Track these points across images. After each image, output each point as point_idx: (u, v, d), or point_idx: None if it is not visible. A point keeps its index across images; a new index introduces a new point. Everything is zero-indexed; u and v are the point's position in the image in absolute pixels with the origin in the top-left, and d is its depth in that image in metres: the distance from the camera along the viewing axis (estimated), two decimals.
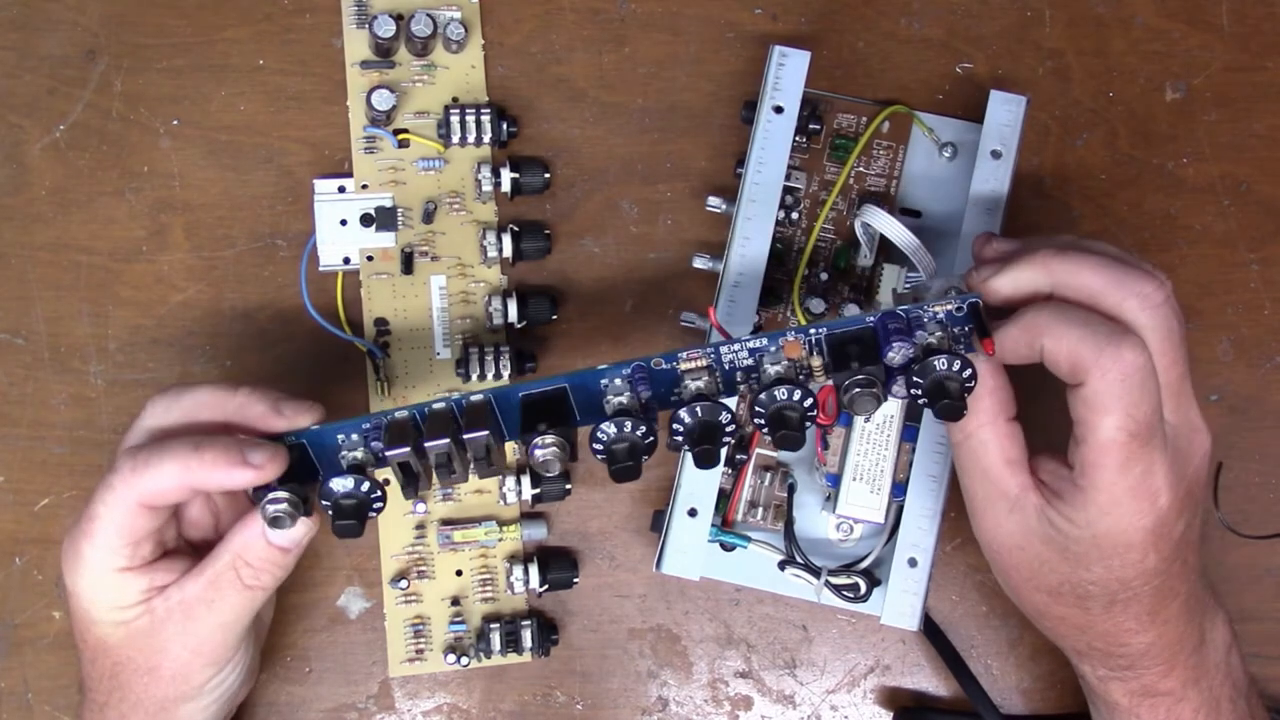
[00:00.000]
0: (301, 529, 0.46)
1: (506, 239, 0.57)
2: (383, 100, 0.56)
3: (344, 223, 0.58)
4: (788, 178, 0.56)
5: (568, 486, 0.57)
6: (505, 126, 0.58)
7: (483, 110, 0.58)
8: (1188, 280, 0.60)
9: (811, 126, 0.58)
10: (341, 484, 0.46)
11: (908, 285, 0.55)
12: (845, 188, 0.58)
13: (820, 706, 0.58)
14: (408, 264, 0.57)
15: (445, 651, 0.56)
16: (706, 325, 0.55)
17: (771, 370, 0.45)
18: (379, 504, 0.46)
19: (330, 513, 0.46)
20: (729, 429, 0.45)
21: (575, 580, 0.57)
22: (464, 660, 0.56)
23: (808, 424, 0.45)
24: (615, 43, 0.60)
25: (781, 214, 0.57)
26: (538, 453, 0.45)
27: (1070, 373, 0.44)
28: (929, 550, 0.53)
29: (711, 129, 0.60)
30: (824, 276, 0.58)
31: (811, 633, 0.58)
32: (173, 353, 0.58)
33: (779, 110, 0.55)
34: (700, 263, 0.57)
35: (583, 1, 0.61)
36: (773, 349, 0.46)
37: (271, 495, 0.45)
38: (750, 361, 0.46)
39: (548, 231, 0.58)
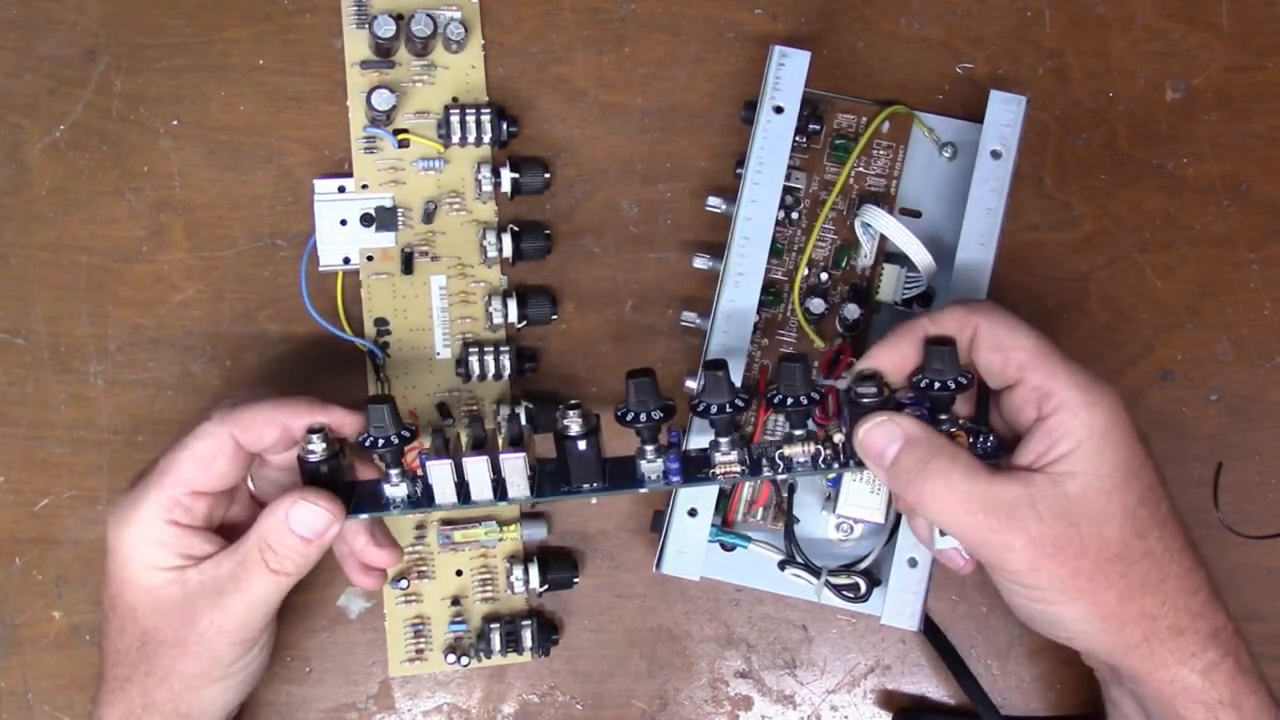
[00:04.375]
0: (322, 520, 0.47)
1: (506, 239, 0.57)
2: (383, 100, 0.56)
3: (344, 223, 0.58)
4: (788, 178, 0.56)
5: None
6: (505, 126, 0.58)
7: (483, 110, 0.57)
8: (1188, 280, 0.60)
9: (811, 126, 0.58)
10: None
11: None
12: (845, 188, 0.58)
13: (820, 706, 0.58)
14: (408, 264, 0.57)
15: (445, 651, 0.56)
16: (707, 326, 0.55)
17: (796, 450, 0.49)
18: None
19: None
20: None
21: (575, 580, 0.57)
22: (464, 660, 0.56)
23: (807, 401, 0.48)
24: (615, 43, 0.60)
25: (781, 214, 0.57)
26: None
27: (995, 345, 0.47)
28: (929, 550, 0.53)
29: (711, 129, 0.60)
30: (824, 276, 0.58)
31: (811, 633, 0.58)
32: (173, 353, 0.58)
33: (779, 110, 0.55)
34: (700, 263, 0.57)
35: (583, 1, 0.61)
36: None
37: (313, 439, 0.48)
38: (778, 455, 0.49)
39: (548, 231, 0.58)
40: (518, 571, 0.56)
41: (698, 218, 0.59)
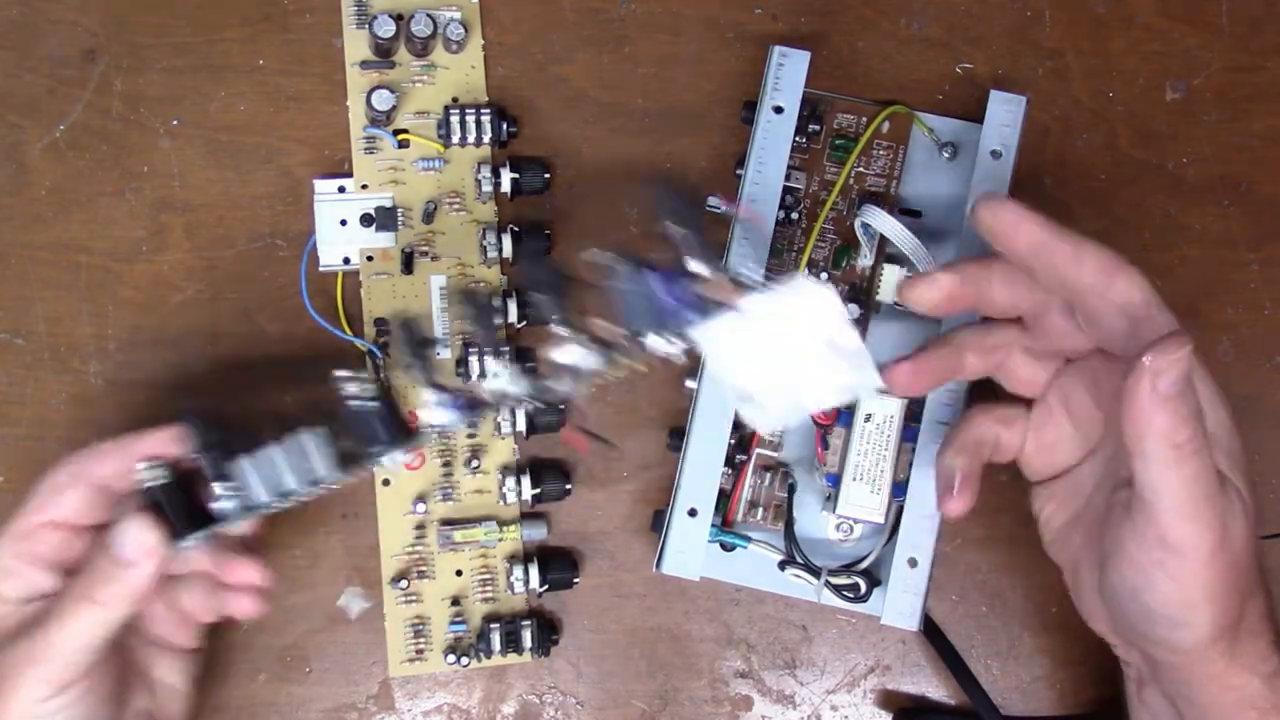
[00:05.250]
0: (145, 540, 0.46)
1: (506, 239, 0.57)
2: (383, 100, 0.56)
3: (344, 223, 0.58)
4: (788, 178, 0.56)
5: (568, 486, 0.57)
6: (505, 126, 0.58)
7: (483, 110, 0.58)
8: (1188, 280, 0.60)
9: (811, 126, 0.58)
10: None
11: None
12: (845, 188, 0.58)
13: (820, 706, 0.58)
14: (408, 264, 0.57)
15: (445, 651, 0.56)
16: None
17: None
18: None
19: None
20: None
21: (575, 580, 0.57)
22: (464, 660, 0.56)
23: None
24: (615, 43, 0.60)
25: (781, 214, 0.57)
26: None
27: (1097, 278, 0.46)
28: (929, 550, 0.53)
29: (711, 129, 0.60)
30: (824, 276, 0.58)
31: (811, 633, 0.58)
32: (173, 353, 0.58)
33: (779, 110, 0.55)
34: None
35: (583, 1, 0.61)
36: None
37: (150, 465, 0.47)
38: None
39: (548, 231, 0.58)
40: (518, 571, 0.56)
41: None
